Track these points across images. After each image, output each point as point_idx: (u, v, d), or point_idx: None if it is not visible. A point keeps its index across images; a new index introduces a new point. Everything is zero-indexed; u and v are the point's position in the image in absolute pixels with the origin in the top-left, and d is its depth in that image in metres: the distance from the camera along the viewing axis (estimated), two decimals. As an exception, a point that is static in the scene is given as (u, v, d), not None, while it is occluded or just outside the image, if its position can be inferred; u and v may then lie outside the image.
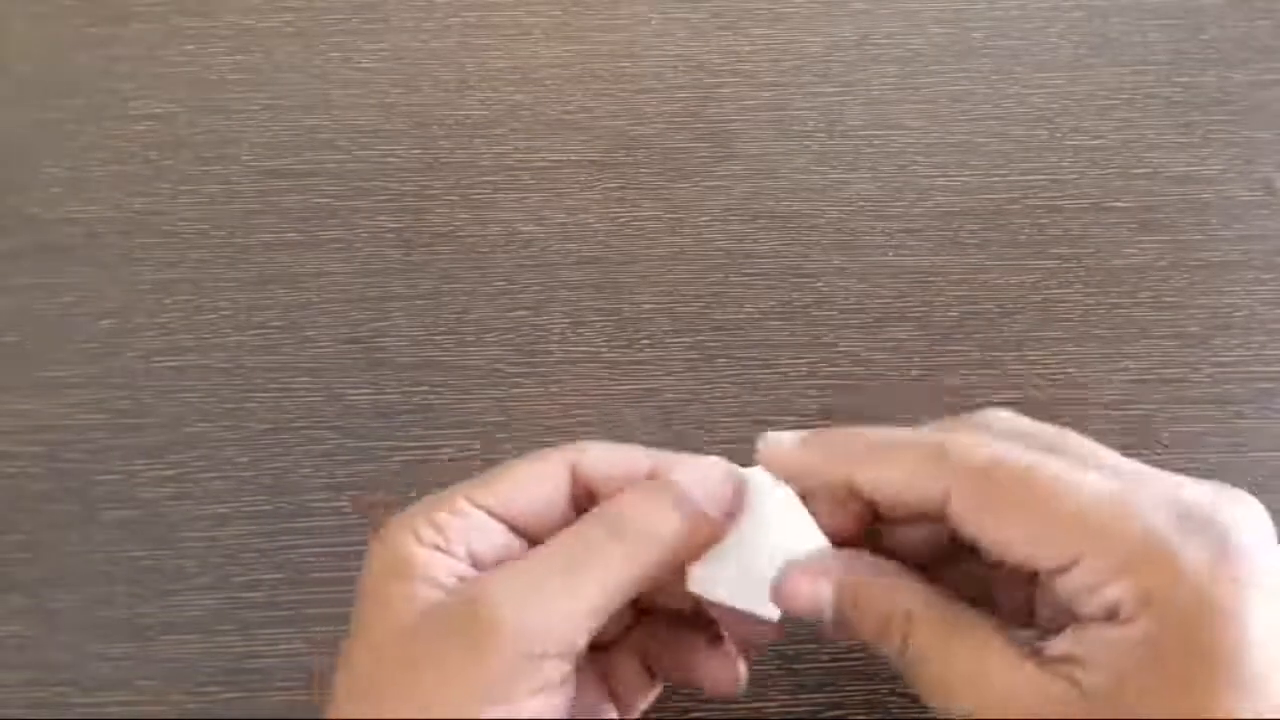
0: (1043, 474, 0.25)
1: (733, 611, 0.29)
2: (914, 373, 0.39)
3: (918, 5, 0.45)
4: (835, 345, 0.40)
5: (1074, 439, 0.28)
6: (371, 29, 0.45)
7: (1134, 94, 0.44)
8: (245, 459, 0.39)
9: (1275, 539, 0.25)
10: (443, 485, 0.29)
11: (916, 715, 0.35)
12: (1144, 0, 0.45)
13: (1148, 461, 0.28)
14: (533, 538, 0.29)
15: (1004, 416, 0.28)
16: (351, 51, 0.45)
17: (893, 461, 0.27)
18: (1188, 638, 0.23)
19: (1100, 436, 0.28)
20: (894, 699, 0.35)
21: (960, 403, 0.39)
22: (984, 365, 0.40)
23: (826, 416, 0.39)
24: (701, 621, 0.31)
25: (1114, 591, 0.24)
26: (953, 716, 0.26)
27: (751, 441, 0.38)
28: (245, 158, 0.43)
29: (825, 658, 0.35)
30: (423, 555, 0.27)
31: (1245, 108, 0.43)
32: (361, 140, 0.43)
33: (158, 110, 0.44)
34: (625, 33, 0.45)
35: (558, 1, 0.45)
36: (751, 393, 0.39)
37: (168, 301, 0.41)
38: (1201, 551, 0.24)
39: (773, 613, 0.29)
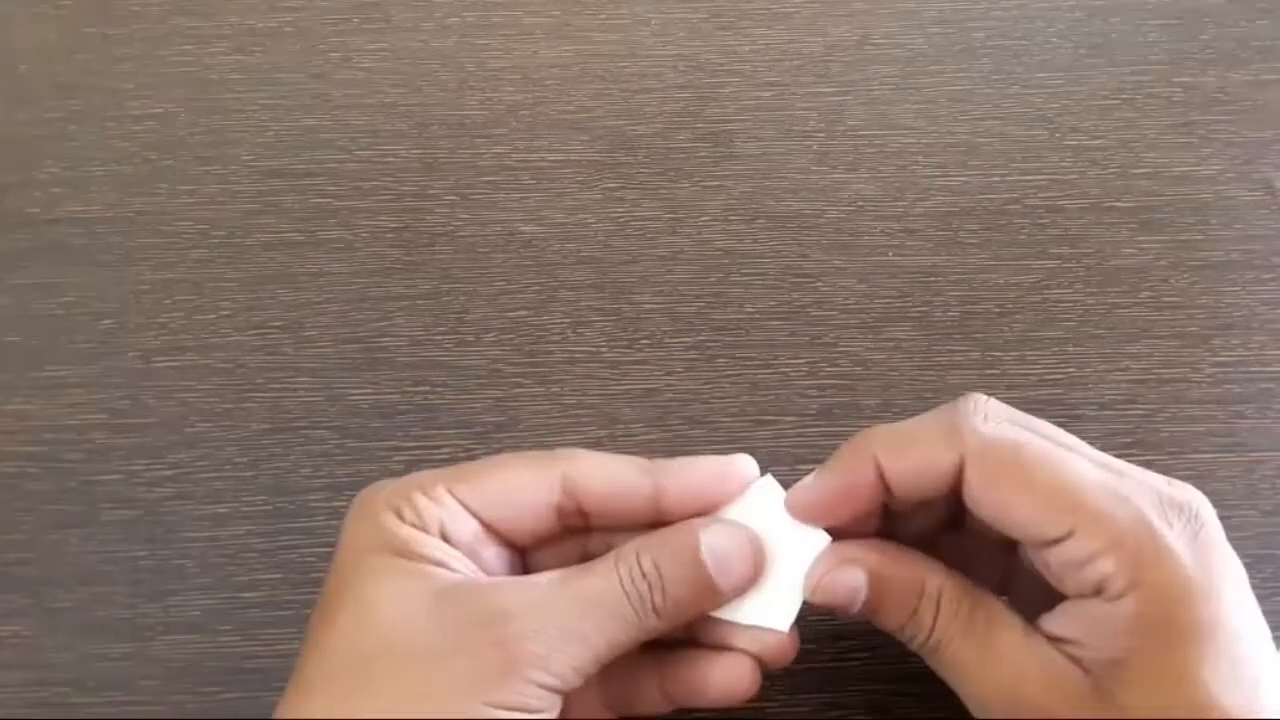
0: (1044, 452, 0.27)
1: (747, 629, 0.29)
2: (914, 373, 0.39)
3: (917, 5, 0.45)
4: (835, 345, 0.40)
5: (1059, 431, 0.29)
6: (371, 29, 0.45)
7: (1134, 94, 0.44)
8: (245, 459, 0.39)
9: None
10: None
11: (917, 716, 0.35)
12: (1144, 0, 0.45)
13: (1147, 463, 0.28)
14: (507, 539, 0.29)
15: (998, 404, 0.29)
16: (351, 51, 0.45)
17: (911, 441, 0.28)
18: (1173, 615, 0.25)
19: (1100, 436, 0.28)
20: (895, 699, 0.35)
21: (960, 403, 0.39)
22: (984, 365, 0.40)
23: (826, 416, 0.39)
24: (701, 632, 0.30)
25: (1102, 567, 0.25)
26: (971, 698, 0.27)
27: (752, 442, 0.39)
28: (245, 158, 0.43)
29: (825, 658, 0.35)
30: (405, 532, 0.27)
31: (1245, 108, 0.43)
32: (361, 140, 0.43)
33: (158, 110, 0.44)
34: (625, 33, 0.45)
35: (558, 1, 0.45)
36: (751, 393, 0.39)
37: (168, 301, 0.41)
38: (1181, 538, 0.26)
39: (786, 624, 0.29)
